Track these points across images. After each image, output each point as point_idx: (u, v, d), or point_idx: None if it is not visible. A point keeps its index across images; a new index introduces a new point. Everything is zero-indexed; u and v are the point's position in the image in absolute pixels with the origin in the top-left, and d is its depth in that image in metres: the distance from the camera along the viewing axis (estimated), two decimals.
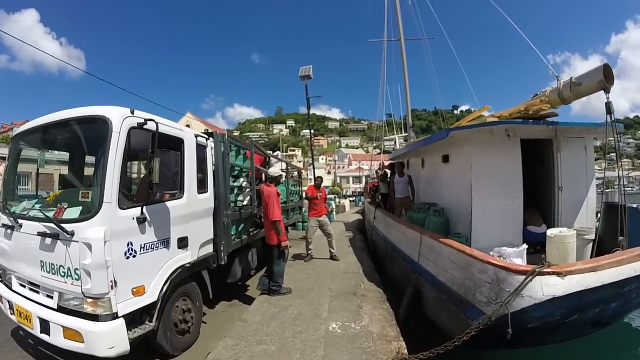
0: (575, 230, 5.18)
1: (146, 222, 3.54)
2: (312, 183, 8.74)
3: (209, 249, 4.82)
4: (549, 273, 3.55)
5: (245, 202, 5.95)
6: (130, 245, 3.39)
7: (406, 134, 29.03)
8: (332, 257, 7.91)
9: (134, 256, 3.42)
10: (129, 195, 3.57)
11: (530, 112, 5.08)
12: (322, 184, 8.41)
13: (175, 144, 4.11)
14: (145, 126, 3.55)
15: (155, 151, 3.44)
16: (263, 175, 6.85)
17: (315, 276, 6.54)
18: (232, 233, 5.34)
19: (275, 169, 6.16)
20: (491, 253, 4.56)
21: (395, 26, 16.82)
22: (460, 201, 6.10)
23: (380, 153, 32.18)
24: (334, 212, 20.76)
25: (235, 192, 5.68)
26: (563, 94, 5.08)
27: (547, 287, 3.50)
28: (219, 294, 5.69)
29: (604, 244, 5.10)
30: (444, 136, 5.69)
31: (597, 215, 7.05)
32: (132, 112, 3.53)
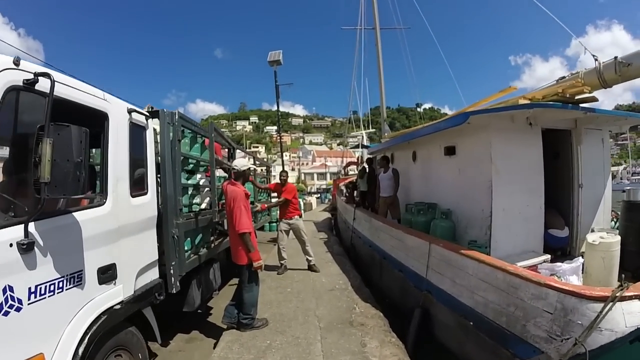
0: (617, 235, 4.33)
1: (36, 250, 2.10)
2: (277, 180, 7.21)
3: (153, 275, 3.41)
4: (631, 297, 2.62)
5: (203, 206, 4.59)
6: (8, 293, 1.94)
7: (372, 130, 28.61)
8: (311, 268, 6.66)
9: (17, 309, 1.97)
10: (3, 205, 2.10)
11: (567, 96, 4.10)
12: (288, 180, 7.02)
13: (93, 119, 2.68)
14: (39, 86, 2.15)
15: (47, 127, 2.01)
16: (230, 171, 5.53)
17: (295, 296, 5.25)
18: (186, 249, 3.95)
19: (242, 161, 4.44)
20: (541, 270, 3.53)
21: (370, 15, 15.95)
22: (472, 201, 5.07)
23: (346, 148, 31.66)
24: (302, 210, 19.52)
25: (189, 192, 4.28)
26: (604, 75, 4.26)
27: (630, 316, 2.58)
28: (174, 325, 4.41)
29: (625, 248, 4.29)
30: (461, 122, 4.59)
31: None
32: (17, 63, 2.10)
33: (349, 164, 24.35)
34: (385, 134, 13.07)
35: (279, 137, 15.02)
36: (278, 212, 6.92)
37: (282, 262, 6.68)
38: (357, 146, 27.99)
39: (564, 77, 4.90)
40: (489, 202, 4.72)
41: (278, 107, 12.74)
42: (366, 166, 10.44)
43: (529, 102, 4.21)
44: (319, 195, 39.00)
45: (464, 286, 3.74)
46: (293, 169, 69.92)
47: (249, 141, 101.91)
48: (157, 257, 3.47)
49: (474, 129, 4.86)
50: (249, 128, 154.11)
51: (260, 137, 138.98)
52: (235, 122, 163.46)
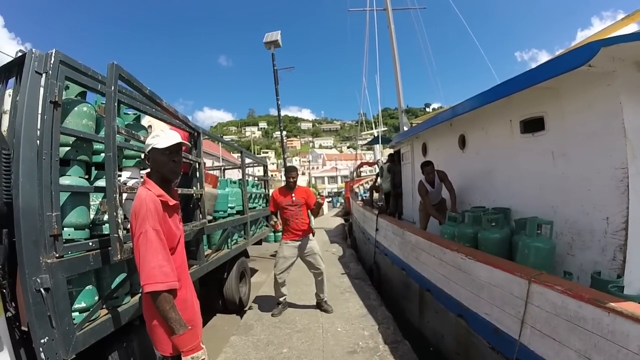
0: None
1: None
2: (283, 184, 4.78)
3: None
4: None
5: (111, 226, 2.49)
6: None
7: (384, 129, 26.58)
8: (322, 307, 4.64)
9: None
10: None
11: None
12: (298, 181, 4.70)
13: None
14: None
15: None
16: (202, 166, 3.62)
17: None
18: (78, 307, 2.14)
19: (150, 136, 1.86)
20: None
21: None
22: (582, 205, 3.07)
23: (358, 150, 29.56)
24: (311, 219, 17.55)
25: (90, 202, 2.39)
26: None
27: None
28: None
29: None
30: (577, 64, 2.58)
31: None
32: None
33: (361, 164, 22.43)
34: (404, 126, 11.03)
35: (280, 134, 13.14)
36: (281, 227, 4.68)
37: (280, 299, 4.67)
38: (369, 148, 26.06)
39: None
40: (621, 205, 2.74)
41: (277, 93, 10.77)
42: (381, 162, 8.46)
43: None
44: (330, 199, 37.05)
45: None
46: (303, 173, 68.89)
47: (258, 147, 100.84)
48: None
49: (583, 83, 2.86)
50: (258, 134, 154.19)
51: (269, 142, 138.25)
52: (245, 129, 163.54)
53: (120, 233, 2.11)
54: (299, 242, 4.49)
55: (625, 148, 2.72)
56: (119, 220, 2.12)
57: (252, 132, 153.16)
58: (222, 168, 9.08)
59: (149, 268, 1.57)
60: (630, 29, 3.28)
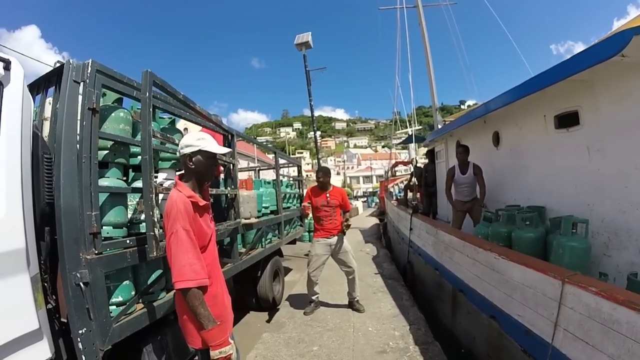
0: None
1: None
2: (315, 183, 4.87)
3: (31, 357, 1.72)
4: None
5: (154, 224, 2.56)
6: None
7: (419, 128, 25.95)
8: (353, 306, 4.70)
9: None
10: None
11: None
12: (331, 181, 4.75)
13: None
14: None
15: None
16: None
17: (325, 359, 3.35)
18: (116, 300, 2.29)
19: (189, 139, 1.93)
20: None
21: None
22: (621, 203, 2.91)
23: (393, 150, 29.11)
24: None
25: (128, 203, 2.60)
26: None
27: None
28: None
29: None
30: (610, 54, 2.46)
31: None
32: None
33: (396, 164, 22.11)
34: (438, 125, 10.79)
35: (314, 133, 13.27)
36: (313, 226, 4.80)
37: (313, 297, 4.77)
38: (403, 147, 25.62)
39: None
40: None
41: (310, 94, 10.92)
42: (415, 161, 8.34)
43: None
44: (365, 199, 36.75)
45: None
46: (338, 173, 68.77)
47: (293, 147, 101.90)
48: (37, 326, 1.76)
49: (617, 75, 2.72)
50: (292, 135, 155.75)
51: (304, 142, 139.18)
52: (279, 129, 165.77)
53: (156, 231, 2.25)
54: (331, 240, 4.55)
55: None
56: (155, 219, 2.26)
57: (287, 133, 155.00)
58: (257, 169, 9.30)
59: (179, 266, 1.69)
60: None
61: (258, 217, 4.93)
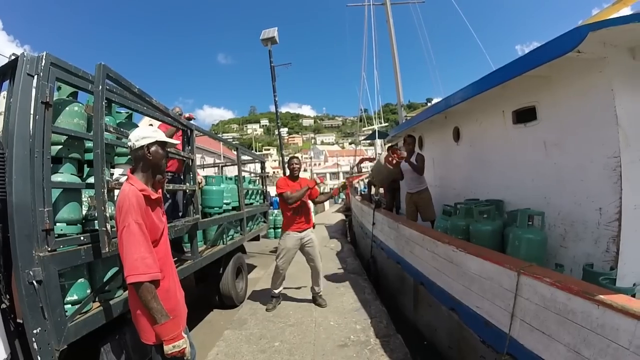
0: None
1: None
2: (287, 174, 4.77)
3: None
4: None
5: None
6: None
7: (385, 125, 26.42)
8: (316, 301, 4.63)
9: None
10: None
11: None
12: (301, 173, 4.67)
13: None
14: None
15: None
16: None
17: (286, 354, 3.25)
18: (70, 299, 2.24)
19: (140, 132, 1.95)
20: None
21: None
22: (575, 196, 3.02)
23: (359, 147, 29.55)
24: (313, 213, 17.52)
25: (83, 198, 2.43)
26: None
27: None
28: None
29: None
30: (566, 49, 2.52)
31: None
32: None
33: (362, 160, 22.43)
34: (403, 120, 10.95)
35: (277, 129, 13.12)
36: (282, 220, 4.70)
37: (275, 291, 4.65)
38: (370, 143, 25.99)
39: None
40: (614, 195, 2.71)
41: (274, 90, 10.73)
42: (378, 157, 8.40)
43: None
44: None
45: None
46: (305, 170, 68.65)
47: (260, 144, 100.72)
48: None
49: (574, 71, 2.81)
50: (259, 131, 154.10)
51: (271, 139, 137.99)
52: (246, 126, 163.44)
53: (109, 227, 2.18)
54: (302, 234, 4.49)
55: (617, 136, 2.68)
56: (107, 215, 2.19)
57: (254, 130, 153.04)
58: (220, 165, 9.11)
59: (132, 260, 1.66)
60: (624, 13, 3.22)
61: (219, 212, 4.77)
